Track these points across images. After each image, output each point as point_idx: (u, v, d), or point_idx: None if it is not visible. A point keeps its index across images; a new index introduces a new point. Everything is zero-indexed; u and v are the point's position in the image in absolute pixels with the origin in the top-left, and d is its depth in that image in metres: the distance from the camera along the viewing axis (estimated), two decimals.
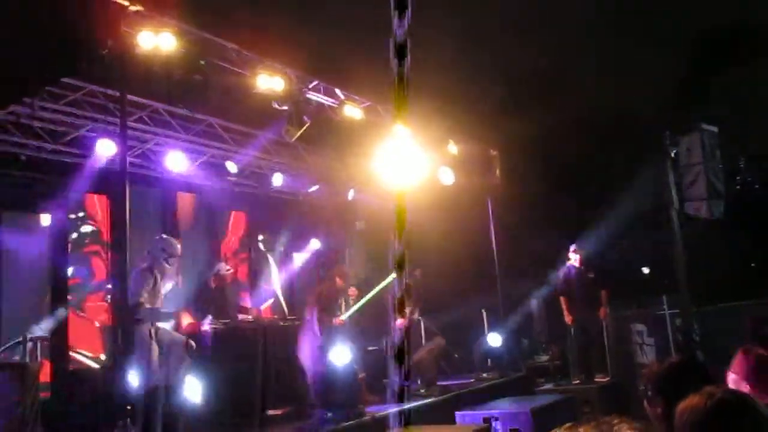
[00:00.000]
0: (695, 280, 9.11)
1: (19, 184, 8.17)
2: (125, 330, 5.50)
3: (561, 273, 9.59)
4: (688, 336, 8.90)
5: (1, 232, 7.86)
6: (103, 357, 8.56)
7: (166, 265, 6.54)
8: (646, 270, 16.50)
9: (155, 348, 6.27)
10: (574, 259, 9.42)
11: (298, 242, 11.89)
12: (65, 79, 7.20)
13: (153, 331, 6.28)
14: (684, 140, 8.71)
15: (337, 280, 7.92)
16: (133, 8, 5.91)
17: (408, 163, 8.30)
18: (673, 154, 8.84)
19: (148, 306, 6.25)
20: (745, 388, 2.80)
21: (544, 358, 11.00)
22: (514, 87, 12.86)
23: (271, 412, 7.45)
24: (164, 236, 7.00)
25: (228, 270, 8.97)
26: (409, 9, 3.23)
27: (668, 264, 9.64)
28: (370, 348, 8.94)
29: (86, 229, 8.85)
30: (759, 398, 2.68)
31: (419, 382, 8.74)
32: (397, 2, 3.26)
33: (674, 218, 8.91)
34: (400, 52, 3.34)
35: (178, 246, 6.82)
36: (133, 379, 5.77)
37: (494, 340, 10.21)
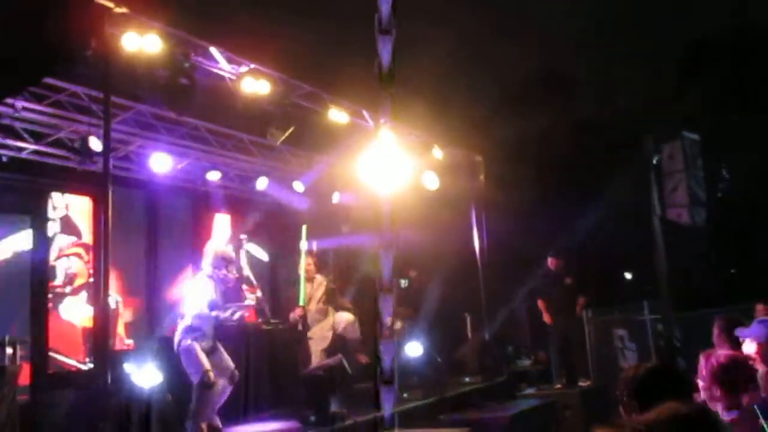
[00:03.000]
0: (676, 286, 9.19)
1: (1, 185, 8.10)
2: (105, 332, 5.47)
3: (540, 277, 9.63)
4: (669, 342, 8.99)
5: None
6: (83, 359, 8.50)
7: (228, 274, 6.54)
8: (628, 275, 16.63)
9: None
10: (552, 264, 9.44)
11: (282, 245, 11.86)
12: (48, 80, 7.14)
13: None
14: (666, 147, 8.82)
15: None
16: (118, 10, 5.89)
17: (393, 167, 8.32)
18: (655, 161, 8.95)
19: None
20: (716, 391, 2.84)
21: (527, 362, 11.03)
22: (501, 93, 12.95)
23: (254, 415, 7.42)
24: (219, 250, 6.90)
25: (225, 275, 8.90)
26: (396, 13, 3.25)
27: (650, 269, 9.72)
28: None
29: (68, 230, 8.78)
30: (728, 398, 2.73)
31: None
32: (384, 6, 3.28)
33: (656, 224, 9.00)
34: (386, 56, 3.35)
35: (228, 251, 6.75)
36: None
37: (479, 339, 10.24)
